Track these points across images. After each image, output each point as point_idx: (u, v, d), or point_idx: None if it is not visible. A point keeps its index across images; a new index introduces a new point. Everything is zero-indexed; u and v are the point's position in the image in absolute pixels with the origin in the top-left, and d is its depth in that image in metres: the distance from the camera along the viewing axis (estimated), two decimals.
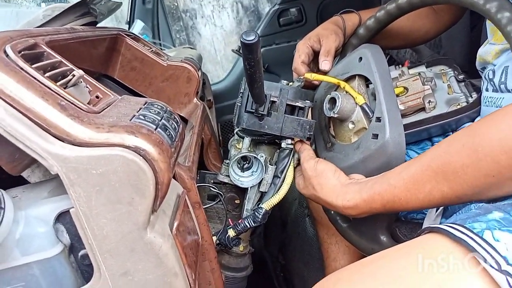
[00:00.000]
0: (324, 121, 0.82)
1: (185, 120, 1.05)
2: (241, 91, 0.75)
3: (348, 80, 0.76)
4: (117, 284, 0.42)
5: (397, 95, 0.83)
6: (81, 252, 0.44)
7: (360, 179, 0.65)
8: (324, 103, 0.75)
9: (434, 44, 1.51)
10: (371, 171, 0.65)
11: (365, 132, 0.70)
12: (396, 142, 0.64)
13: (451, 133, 0.80)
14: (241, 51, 0.54)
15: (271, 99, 0.73)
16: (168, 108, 0.55)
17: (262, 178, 0.79)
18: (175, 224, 0.46)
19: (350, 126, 0.74)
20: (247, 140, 0.79)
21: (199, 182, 0.89)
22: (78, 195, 0.39)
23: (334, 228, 0.82)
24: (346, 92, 0.74)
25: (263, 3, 3.10)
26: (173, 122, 0.52)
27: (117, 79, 1.01)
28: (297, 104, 0.75)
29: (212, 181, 0.88)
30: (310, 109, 0.76)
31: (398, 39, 0.93)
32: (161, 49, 2.20)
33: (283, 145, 0.77)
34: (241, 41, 0.51)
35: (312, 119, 0.77)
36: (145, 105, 0.52)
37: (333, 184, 0.66)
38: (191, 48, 1.91)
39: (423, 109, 0.82)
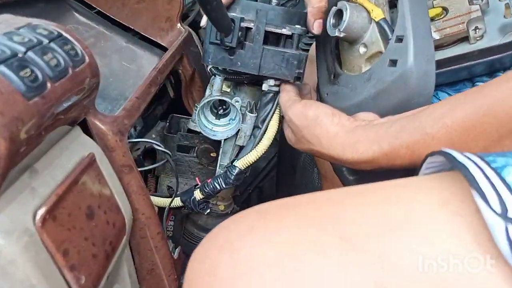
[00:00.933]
0: (329, 45, 0.61)
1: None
2: None
3: None
4: None
5: (432, 19, 0.60)
6: None
7: (373, 120, 0.47)
8: (328, 19, 0.54)
9: None
10: (384, 114, 0.47)
11: (380, 58, 0.50)
12: (421, 71, 0.44)
13: (500, 73, 0.57)
14: None
15: (245, 24, 0.53)
16: (60, 34, 0.37)
17: (239, 129, 0.62)
18: (42, 210, 0.31)
19: (362, 50, 0.53)
20: (218, 80, 0.60)
21: (172, 128, 0.73)
22: None
23: (340, 182, 0.65)
24: (359, 3, 0.52)
25: None
26: (58, 56, 0.35)
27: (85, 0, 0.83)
28: (282, 31, 0.54)
29: (186, 128, 0.72)
30: (300, 37, 0.55)
31: None
32: None
33: (265, 87, 0.58)
34: None
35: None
36: (16, 29, 0.34)
37: (333, 133, 0.48)
38: None
39: (466, 38, 0.58)
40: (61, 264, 0.32)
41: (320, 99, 0.61)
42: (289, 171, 1.34)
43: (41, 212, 0.31)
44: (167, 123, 0.71)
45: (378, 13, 0.50)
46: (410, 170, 0.41)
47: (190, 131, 0.69)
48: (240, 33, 0.52)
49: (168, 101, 0.80)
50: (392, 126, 0.42)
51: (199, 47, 0.92)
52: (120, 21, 0.85)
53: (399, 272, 0.25)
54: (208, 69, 0.64)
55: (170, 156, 0.53)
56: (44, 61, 0.33)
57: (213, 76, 0.71)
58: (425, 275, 0.24)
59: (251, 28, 0.53)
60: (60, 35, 0.37)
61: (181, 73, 0.77)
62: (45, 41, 0.35)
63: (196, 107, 0.64)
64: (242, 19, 0.52)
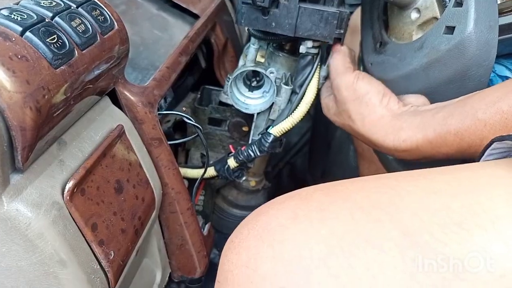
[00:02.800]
0: (376, 10, 0.56)
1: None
2: None
3: None
4: None
5: None
6: None
7: (422, 106, 0.44)
8: None
9: None
10: (436, 86, 0.43)
11: (435, 24, 0.45)
12: (482, 39, 0.40)
13: None
14: None
15: None
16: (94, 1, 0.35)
17: (273, 103, 0.59)
18: (71, 184, 0.30)
19: (413, 15, 0.49)
20: (252, 49, 0.57)
21: (203, 100, 0.71)
22: None
23: (378, 162, 0.61)
24: None
25: None
26: (86, 21, 0.33)
27: None
28: None
29: (218, 100, 0.69)
30: None
31: None
32: None
33: (302, 49, 0.54)
34: None
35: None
36: None
37: (379, 115, 0.45)
38: None
39: None
40: (90, 239, 0.31)
41: (364, 69, 0.56)
42: (323, 148, 1.30)
43: (69, 185, 0.30)
44: (198, 95, 0.68)
45: None
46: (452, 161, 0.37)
47: (221, 103, 0.67)
48: None
49: (199, 72, 0.77)
50: (439, 112, 0.39)
51: (232, 15, 0.89)
52: None
53: (470, 277, 0.21)
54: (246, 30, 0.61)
55: (200, 131, 0.50)
56: (71, 27, 0.31)
57: (246, 45, 0.67)
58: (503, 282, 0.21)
59: None
60: None
61: (214, 42, 0.74)
62: (73, 5, 0.33)
63: (229, 78, 0.61)
64: None
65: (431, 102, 0.45)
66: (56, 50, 0.28)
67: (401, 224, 0.23)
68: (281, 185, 1.30)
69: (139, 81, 0.55)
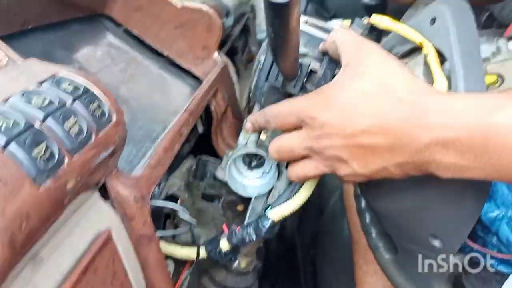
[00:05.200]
0: None
1: (200, 81, 0.82)
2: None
3: (413, 50, 0.47)
4: None
5: (486, 87, 0.52)
6: None
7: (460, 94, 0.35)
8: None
9: None
10: None
11: None
12: None
13: None
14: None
15: (311, 66, 0.45)
16: (86, 89, 0.32)
17: (273, 187, 0.55)
18: None
19: None
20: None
21: (198, 170, 0.67)
22: None
23: (372, 255, 0.57)
24: (426, 63, 0.45)
25: None
26: (81, 120, 0.29)
27: (119, 21, 0.79)
28: None
29: (213, 172, 0.65)
30: None
31: None
32: None
33: None
34: None
35: None
36: (38, 84, 0.29)
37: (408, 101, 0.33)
38: None
39: None
40: None
41: None
42: (314, 212, 1.26)
43: None
44: (194, 167, 0.65)
45: (442, 83, 0.43)
46: None
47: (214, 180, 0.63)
48: (305, 78, 0.45)
49: (196, 137, 0.74)
50: (488, 97, 0.30)
51: (234, 79, 0.87)
52: (155, 47, 0.80)
53: None
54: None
55: (193, 226, 0.46)
56: (64, 130, 0.27)
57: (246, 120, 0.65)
58: None
59: (315, 72, 0.46)
60: (86, 90, 0.32)
61: (213, 109, 0.72)
62: (69, 100, 0.29)
63: (228, 154, 0.58)
64: (309, 65, 0.45)
65: None
66: (42, 165, 0.25)
67: None
68: (269, 248, 1.24)
69: (133, 156, 0.51)
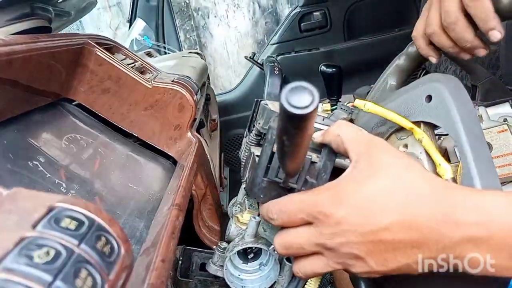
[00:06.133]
0: None
1: (174, 161, 0.78)
2: (257, 127, 0.47)
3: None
4: None
5: None
6: None
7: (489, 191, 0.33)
8: None
9: (490, 64, 1.21)
10: None
11: None
12: None
13: None
14: (279, 115, 0.26)
15: (312, 160, 0.43)
16: (92, 221, 0.27)
17: (275, 282, 0.51)
18: None
19: None
20: (253, 223, 0.51)
21: (183, 263, 0.61)
22: None
23: None
24: (424, 150, 0.44)
25: (282, 4, 2.80)
26: (91, 270, 0.24)
27: (84, 104, 0.74)
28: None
29: (200, 264, 0.60)
30: None
31: None
32: (165, 52, 1.93)
33: None
34: (283, 106, 0.23)
35: None
36: (32, 227, 0.24)
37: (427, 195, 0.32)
38: (197, 53, 1.64)
39: None
40: None
41: None
42: None
43: None
44: (179, 260, 0.59)
45: (445, 170, 0.42)
46: None
47: (203, 267, 0.58)
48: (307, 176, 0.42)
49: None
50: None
51: (208, 157, 0.84)
52: (124, 129, 0.76)
53: None
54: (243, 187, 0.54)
55: None
56: (89, 269, 0.22)
57: (233, 200, 0.62)
58: None
59: (316, 163, 0.43)
60: (91, 223, 0.27)
61: (194, 193, 0.67)
62: (75, 245, 0.25)
63: (220, 249, 0.54)
64: (311, 158, 0.42)
65: None
66: None
67: None
68: None
69: None
